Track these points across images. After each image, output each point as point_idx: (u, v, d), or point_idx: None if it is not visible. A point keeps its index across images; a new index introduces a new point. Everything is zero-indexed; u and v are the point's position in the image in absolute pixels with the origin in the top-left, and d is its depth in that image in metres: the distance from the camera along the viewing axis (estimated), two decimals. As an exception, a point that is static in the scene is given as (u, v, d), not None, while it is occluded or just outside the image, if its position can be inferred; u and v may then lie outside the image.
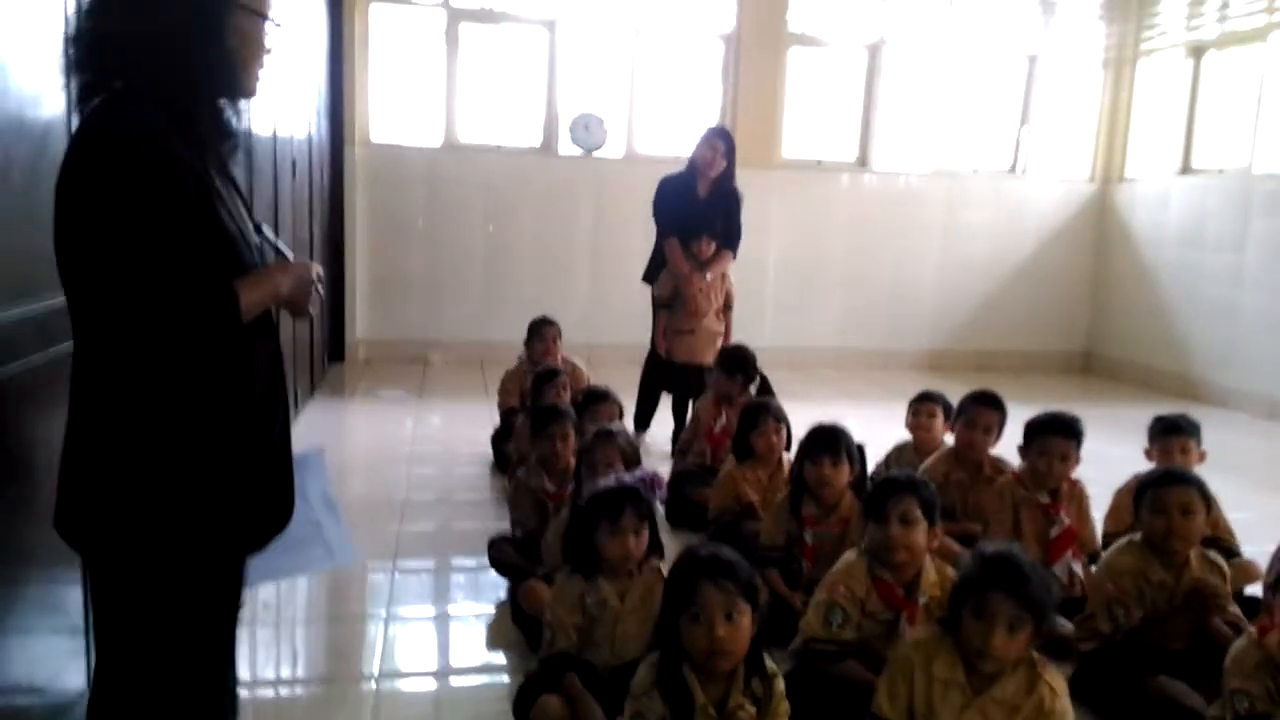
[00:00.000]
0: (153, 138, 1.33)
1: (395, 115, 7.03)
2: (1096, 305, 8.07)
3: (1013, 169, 7.98)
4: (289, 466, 1.59)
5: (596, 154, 7.23)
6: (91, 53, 1.39)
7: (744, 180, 7.03)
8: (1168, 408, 6.45)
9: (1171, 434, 3.35)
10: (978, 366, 7.79)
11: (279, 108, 4.57)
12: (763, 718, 1.81)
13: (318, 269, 1.62)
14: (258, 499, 1.53)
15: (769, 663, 1.89)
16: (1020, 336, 8.00)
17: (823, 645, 2.27)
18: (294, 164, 4.99)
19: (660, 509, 2.31)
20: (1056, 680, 1.90)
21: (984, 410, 3.44)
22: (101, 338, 1.38)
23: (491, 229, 7.13)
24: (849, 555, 2.38)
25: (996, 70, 7.80)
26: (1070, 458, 3.06)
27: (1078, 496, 3.15)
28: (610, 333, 6.85)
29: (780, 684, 1.88)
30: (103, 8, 1.39)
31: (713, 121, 7.27)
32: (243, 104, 1.51)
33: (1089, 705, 2.47)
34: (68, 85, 1.44)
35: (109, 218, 1.30)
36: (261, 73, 1.51)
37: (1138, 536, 2.60)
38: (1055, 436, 3.04)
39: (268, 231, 1.61)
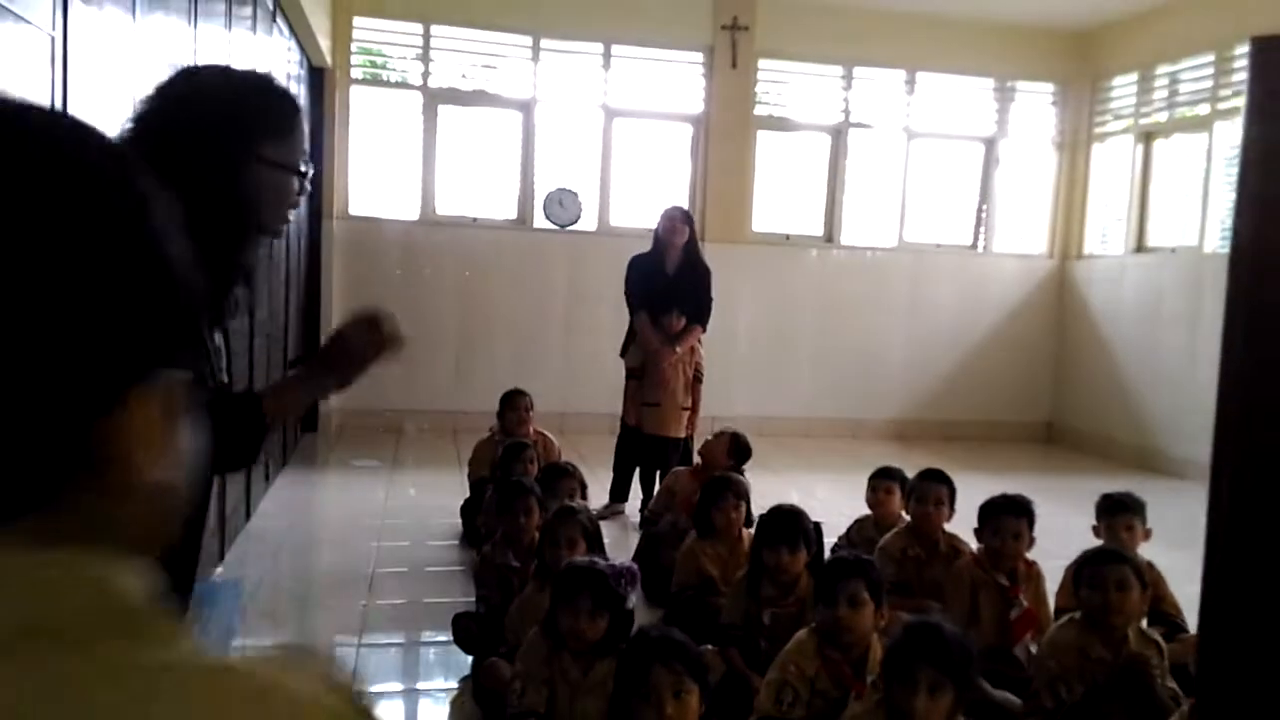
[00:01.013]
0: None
1: (373, 189, 7.21)
2: (1058, 377, 8.27)
3: (974, 245, 8.23)
4: (198, 543, 1.56)
5: (571, 228, 7.41)
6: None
7: (714, 254, 7.23)
8: (1126, 479, 6.63)
9: (1117, 513, 3.47)
10: (944, 436, 7.94)
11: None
12: None
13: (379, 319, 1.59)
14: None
15: None
16: (985, 407, 8.17)
17: None
18: (271, 240, 5.10)
19: (633, 600, 2.38)
20: None
21: (932, 485, 3.55)
22: None
23: (467, 274, 7.23)
24: (800, 635, 2.47)
25: (956, 151, 8.10)
26: (1023, 536, 3.15)
27: (1035, 578, 3.22)
28: (583, 402, 6.96)
29: None
30: (141, 144, 1.39)
31: (683, 197, 7.50)
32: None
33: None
34: None
35: None
36: (289, 214, 1.53)
37: (1078, 614, 2.70)
38: (1007, 516, 3.15)
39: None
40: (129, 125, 1.41)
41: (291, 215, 1.53)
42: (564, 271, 7.42)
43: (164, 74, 1.48)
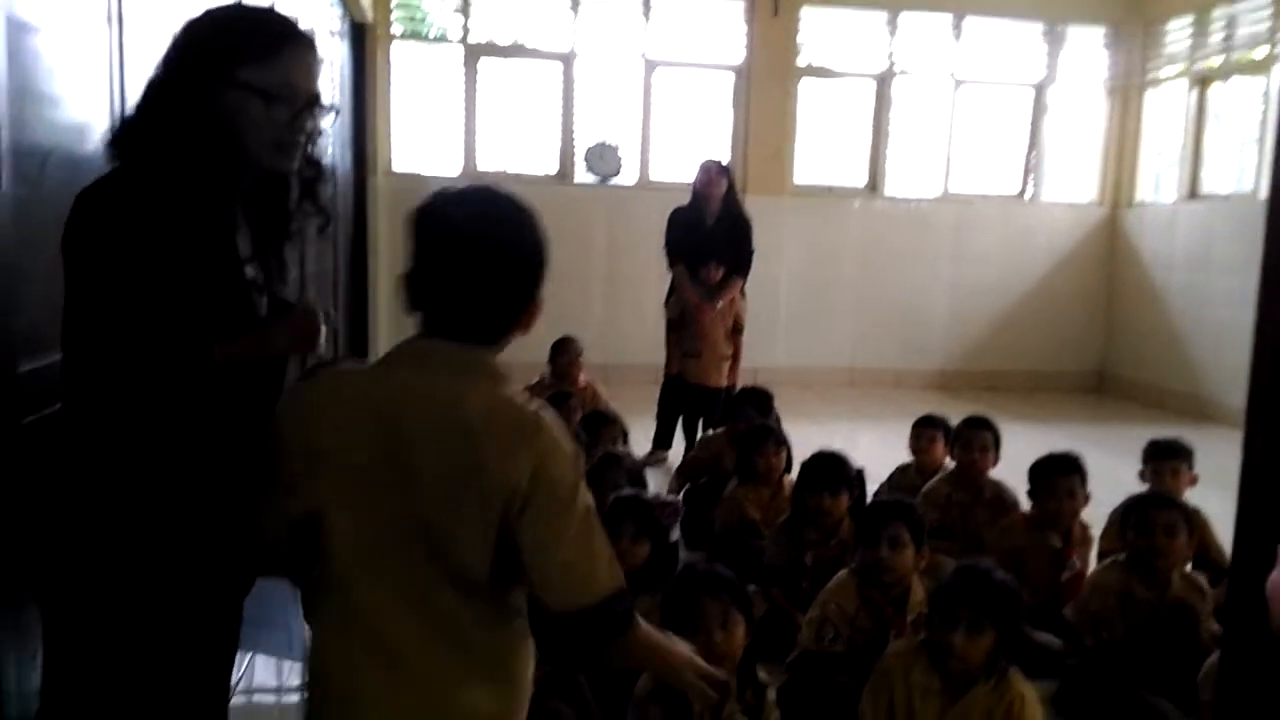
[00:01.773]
0: (141, 198, 1.35)
1: (416, 145, 7.26)
2: (1109, 326, 8.15)
3: (1021, 193, 8.09)
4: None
5: (611, 182, 7.42)
6: (115, 137, 1.43)
7: (756, 207, 7.20)
8: (1177, 427, 6.55)
9: (1163, 457, 3.46)
10: (989, 386, 7.89)
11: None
12: None
13: (320, 311, 1.60)
14: (218, 566, 1.49)
15: (761, 674, 2.02)
16: (1032, 357, 8.08)
17: (815, 658, 2.39)
18: (319, 196, 5.19)
19: (676, 534, 2.43)
20: (1026, 689, 2.03)
21: (977, 432, 3.55)
22: (79, 399, 1.41)
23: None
24: (841, 575, 2.51)
25: (1004, 98, 7.94)
26: (1077, 494, 3.10)
27: (1086, 541, 3.17)
28: (626, 354, 7.01)
29: (771, 694, 2.02)
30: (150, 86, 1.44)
31: (724, 149, 7.46)
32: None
33: (1073, 719, 2.59)
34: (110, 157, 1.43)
35: (87, 273, 1.35)
36: (290, 151, 1.49)
37: (1122, 556, 2.72)
38: (1059, 475, 3.09)
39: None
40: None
41: (291, 150, 1.48)
42: (605, 225, 7.44)
43: None
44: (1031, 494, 3.20)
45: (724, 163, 5.14)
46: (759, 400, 4.16)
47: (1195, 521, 2.80)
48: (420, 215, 1.33)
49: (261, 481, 1.32)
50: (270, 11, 1.52)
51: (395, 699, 1.24)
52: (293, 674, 2.85)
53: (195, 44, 1.45)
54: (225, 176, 1.47)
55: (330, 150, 5.67)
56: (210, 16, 1.49)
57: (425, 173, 7.26)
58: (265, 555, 1.45)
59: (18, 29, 1.71)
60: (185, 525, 1.43)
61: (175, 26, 1.48)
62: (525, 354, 5.50)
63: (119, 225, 1.34)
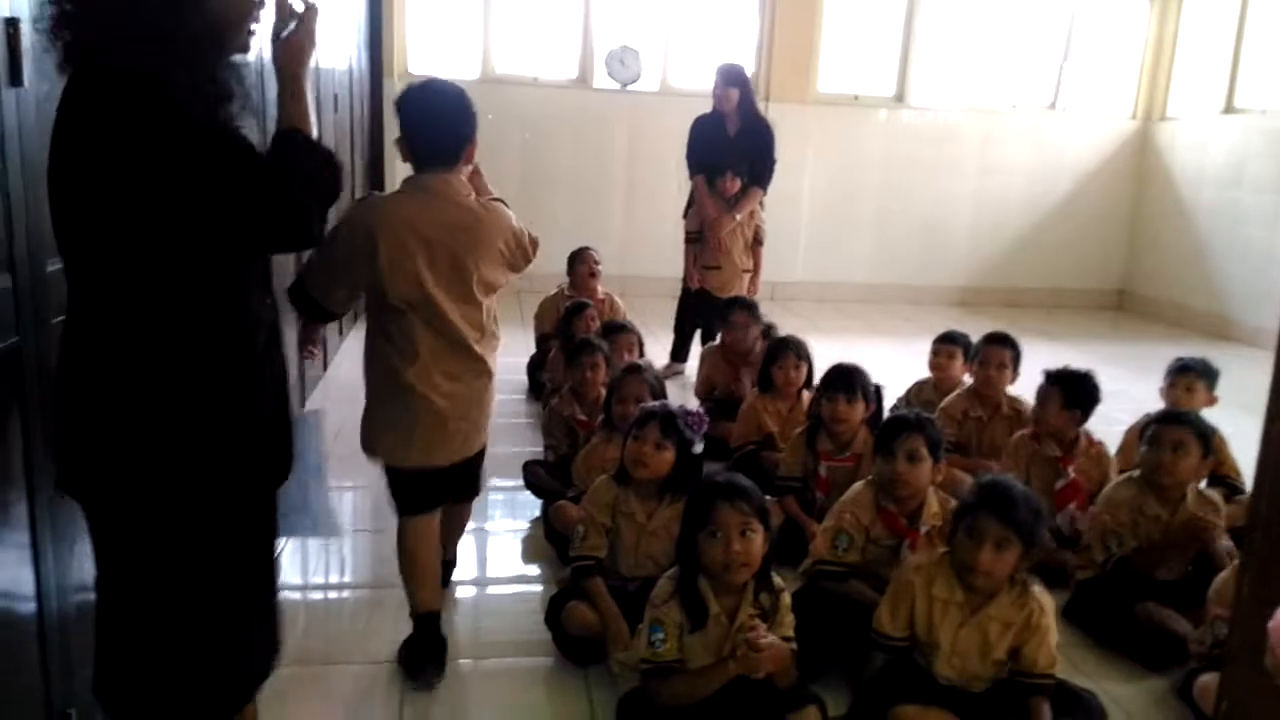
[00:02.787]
0: (162, 83, 1.34)
1: (433, 47, 7.11)
2: (1132, 243, 8.04)
3: (1053, 105, 7.89)
4: (287, 420, 1.63)
5: (632, 88, 7.27)
6: (76, 16, 1.38)
7: (779, 115, 7.05)
8: (1199, 346, 6.52)
9: (1180, 373, 3.44)
10: (1010, 303, 7.85)
11: (321, 41, 4.68)
12: (769, 627, 1.99)
13: (311, 16, 1.60)
14: (257, 450, 1.54)
15: (777, 579, 2.06)
16: (1053, 274, 8.01)
17: (829, 567, 2.44)
18: (336, 97, 5.12)
19: (700, 446, 2.45)
20: (1044, 598, 2.06)
21: (996, 349, 3.54)
22: (100, 295, 1.42)
23: (528, 135, 7.18)
24: (858, 486, 2.54)
25: (1038, 4, 7.67)
26: (1050, 403, 3.12)
27: (1096, 457, 3.17)
28: (645, 265, 6.98)
29: (786, 598, 2.06)
30: None
31: (748, 55, 7.29)
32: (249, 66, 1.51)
33: (1083, 629, 2.65)
34: (51, 45, 1.40)
35: (162, 165, 1.33)
36: (254, 28, 1.50)
37: (1137, 472, 2.73)
38: (1047, 384, 3.15)
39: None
40: None
41: (255, 29, 1.51)
42: (625, 132, 7.32)
43: None
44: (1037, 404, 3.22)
45: (736, 69, 4.97)
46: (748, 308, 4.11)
47: (1213, 441, 2.80)
48: (403, 96, 2.15)
49: (336, 269, 2.12)
50: None
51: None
52: (320, 561, 2.94)
53: None
54: (207, 65, 1.45)
55: (347, 52, 5.58)
56: None
57: (442, 75, 7.12)
58: (332, 317, 2.31)
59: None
60: (222, 415, 1.47)
61: None
62: (547, 265, 5.50)
63: (143, 125, 1.34)
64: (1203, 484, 2.83)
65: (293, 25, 1.59)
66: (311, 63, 1.60)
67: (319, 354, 2.70)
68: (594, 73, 7.26)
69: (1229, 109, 7.14)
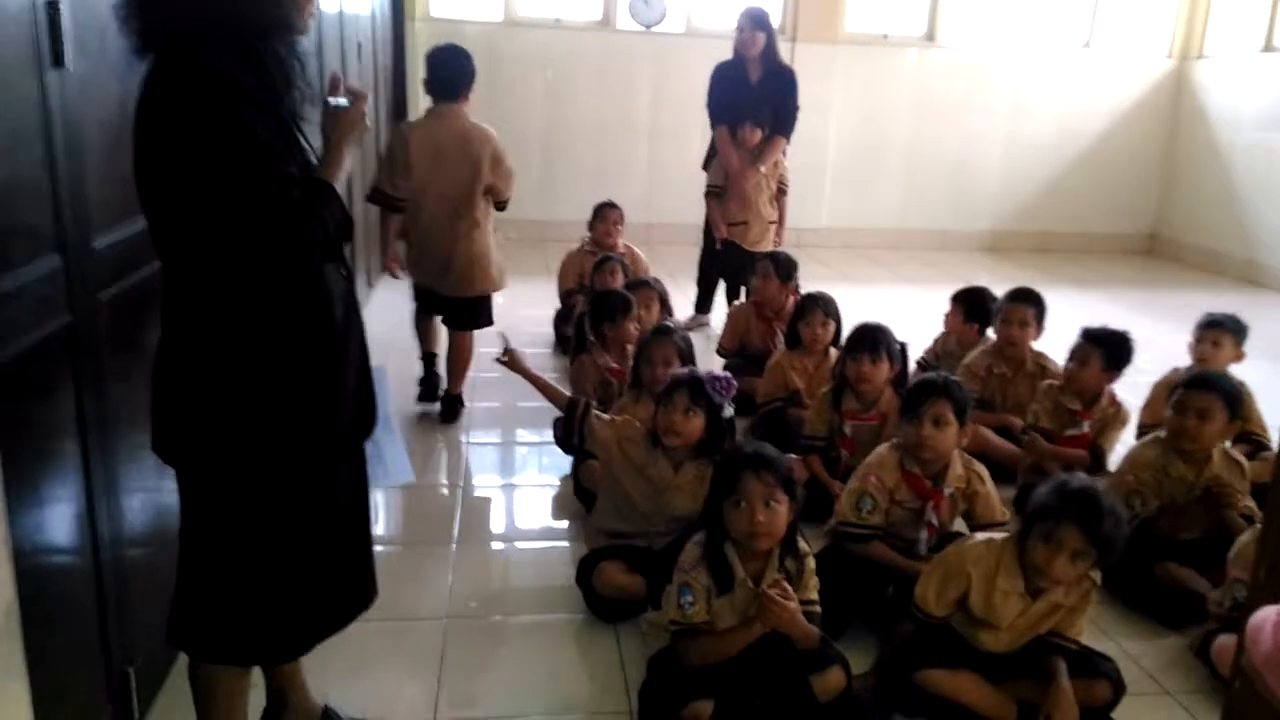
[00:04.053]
0: (229, 80, 1.41)
1: (455, -11, 7.03)
2: (1165, 187, 7.91)
3: (1086, 44, 7.71)
4: (369, 378, 1.73)
5: (656, 29, 7.16)
6: (144, 5, 1.44)
7: (805, 55, 6.97)
8: (1230, 293, 6.45)
9: (1207, 328, 3.43)
10: (1039, 248, 7.78)
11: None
12: (794, 590, 2.04)
13: (362, 100, 1.67)
14: (343, 410, 1.64)
15: (802, 544, 2.11)
16: (1084, 218, 7.91)
17: (852, 529, 2.49)
18: (359, 46, 5.09)
19: (729, 410, 2.50)
20: (1097, 575, 2.08)
21: (1019, 307, 3.52)
22: (189, 268, 1.50)
23: (550, 75, 7.13)
24: (882, 448, 2.57)
25: (1076, -62, 7.46)
26: (1090, 363, 3.14)
27: (1114, 419, 3.21)
28: (668, 213, 6.95)
29: (811, 562, 2.11)
30: None
31: (775, -5, 7.15)
32: (308, 51, 1.59)
33: (1103, 586, 2.68)
34: (123, 26, 1.46)
35: (195, 160, 1.40)
36: (311, 12, 1.59)
37: (1163, 432, 2.75)
38: (1087, 344, 3.16)
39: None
40: None
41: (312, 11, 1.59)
42: (649, 75, 7.24)
43: None
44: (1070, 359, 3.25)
45: (763, 12, 4.86)
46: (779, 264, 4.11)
47: (1240, 404, 2.81)
48: (428, 54, 3.52)
49: (391, 164, 3.46)
50: None
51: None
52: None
53: None
54: (278, 51, 1.52)
55: (369, -3, 5.53)
56: None
57: (464, 18, 7.05)
58: (397, 206, 3.51)
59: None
60: (307, 381, 1.57)
61: None
62: (559, 213, 5.42)
63: (222, 112, 1.40)
64: (1228, 443, 2.83)
65: (345, 102, 1.65)
66: (358, 141, 1.66)
67: (400, 272, 3.74)
68: (617, 14, 7.16)
69: (1269, 47, 6.96)
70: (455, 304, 3.65)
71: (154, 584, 1.91)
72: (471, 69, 3.54)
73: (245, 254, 1.47)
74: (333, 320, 1.61)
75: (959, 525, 2.58)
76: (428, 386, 3.89)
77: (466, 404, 3.87)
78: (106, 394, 1.79)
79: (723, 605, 2.04)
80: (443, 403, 3.80)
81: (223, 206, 1.42)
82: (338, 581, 1.73)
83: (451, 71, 3.50)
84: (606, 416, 2.70)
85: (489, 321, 3.72)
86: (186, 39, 1.43)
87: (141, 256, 1.90)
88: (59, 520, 1.66)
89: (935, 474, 2.49)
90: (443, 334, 3.84)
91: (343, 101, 1.66)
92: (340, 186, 1.59)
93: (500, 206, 3.65)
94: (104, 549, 1.80)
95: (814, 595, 2.09)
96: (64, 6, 1.63)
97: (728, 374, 2.49)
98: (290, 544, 1.63)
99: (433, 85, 3.53)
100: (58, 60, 1.62)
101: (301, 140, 1.59)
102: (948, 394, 2.45)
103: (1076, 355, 3.17)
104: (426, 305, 3.77)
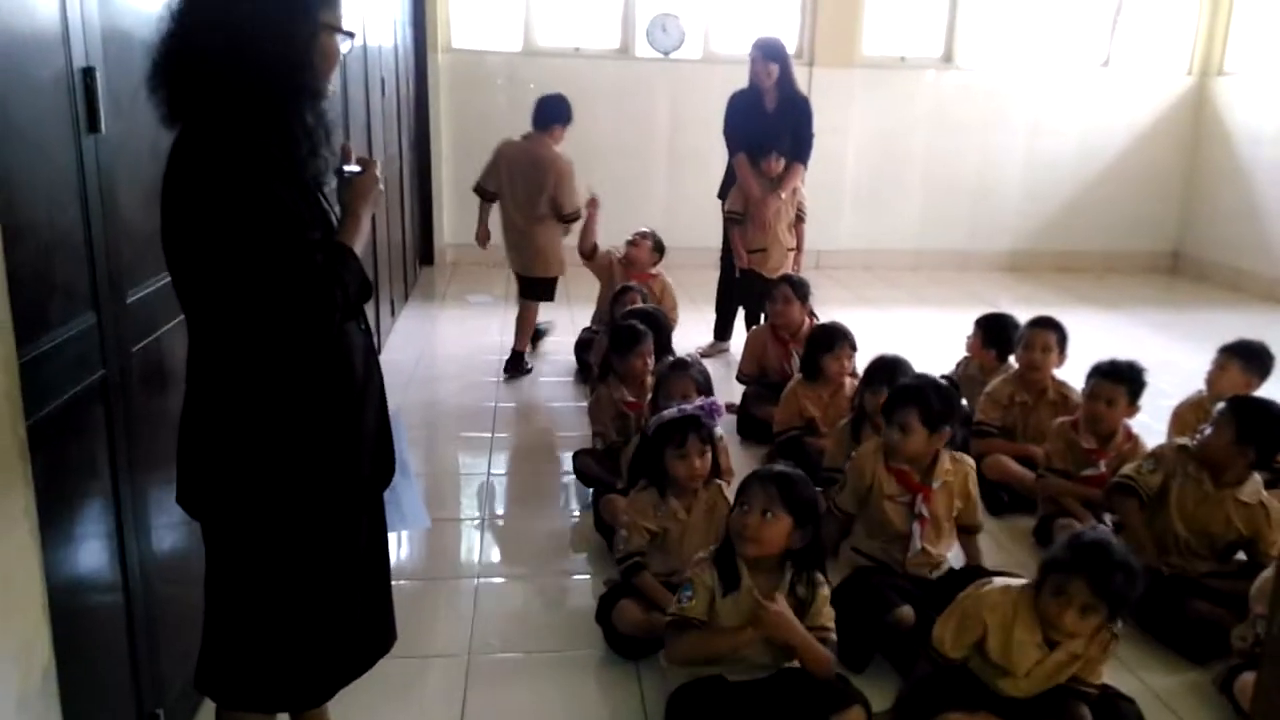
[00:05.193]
0: (257, 149, 1.46)
1: (476, 20, 7.13)
2: (1187, 205, 7.87)
3: (1105, 63, 7.70)
4: (388, 428, 1.78)
5: (673, 56, 7.23)
6: (182, 70, 1.47)
7: (823, 79, 7.01)
8: (1255, 312, 6.40)
9: (1220, 351, 3.46)
10: (1060, 267, 7.75)
11: (369, 23, 4.74)
12: (804, 618, 2.08)
13: (373, 166, 1.72)
14: (363, 462, 1.68)
15: (820, 577, 2.14)
16: (1105, 236, 7.87)
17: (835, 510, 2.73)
18: (383, 81, 5.18)
19: (721, 433, 2.56)
20: (1117, 626, 2.07)
21: (1041, 332, 3.52)
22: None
23: (532, 86, 7.17)
24: (870, 443, 2.74)
25: (1093, -42, 7.47)
26: (1117, 402, 3.09)
27: (1136, 453, 3.11)
28: (688, 235, 6.96)
29: (825, 591, 2.15)
30: (194, 26, 1.46)
31: (791, 18, 7.21)
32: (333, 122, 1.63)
33: (1128, 618, 2.67)
34: (153, 96, 1.50)
35: (222, 226, 1.44)
36: (334, 72, 1.63)
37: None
38: (1105, 381, 3.10)
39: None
40: (181, 3, 1.48)
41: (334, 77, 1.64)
42: (667, 101, 7.30)
43: None
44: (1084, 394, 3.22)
45: (775, 43, 4.90)
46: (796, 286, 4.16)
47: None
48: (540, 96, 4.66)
49: (487, 171, 4.65)
50: None
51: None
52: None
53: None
54: (307, 119, 1.56)
55: (395, 30, 5.63)
56: None
57: (486, 48, 7.15)
58: (491, 197, 4.67)
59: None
60: (328, 436, 1.61)
61: None
62: (576, 236, 5.34)
63: (248, 185, 1.44)
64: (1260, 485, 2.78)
65: (357, 169, 1.70)
66: (373, 205, 1.72)
67: (487, 244, 4.79)
68: (636, 42, 7.23)
69: (1291, 64, 6.92)
70: (523, 279, 4.79)
71: (183, 626, 1.95)
72: (559, 111, 4.59)
73: (269, 316, 1.50)
74: (353, 375, 1.65)
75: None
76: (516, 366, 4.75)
77: (489, 435, 3.91)
78: (138, 442, 1.84)
79: (727, 606, 2.10)
80: (508, 360, 4.75)
81: (249, 273, 1.46)
82: (359, 627, 1.77)
83: (544, 109, 4.58)
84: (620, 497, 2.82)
85: (549, 297, 4.84)
86: (216, 109, 1.47)
87: (172, 308, 1.94)
88: (93, 564, 1.71)
89: (924, 469, 2.61)
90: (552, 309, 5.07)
91: (355, 168, 1.71)
92: (359, 249, 1.63)
93: (564, 218, 4.63)
94: (135, 592, 1.85)
95: (828, 623, 2.13)
96: (99, 72, 1.70)
97: (712, 399, 2.56)
98: (312, 593, 1.67)
99: (532, 117, 4.59)
100: (93, 125, 1.69)
101: (324, 204, 1.65)
102: (915, 401, 2.55)
103: (1100, 395, 3.10)
104: (524, 290, 4.86)
